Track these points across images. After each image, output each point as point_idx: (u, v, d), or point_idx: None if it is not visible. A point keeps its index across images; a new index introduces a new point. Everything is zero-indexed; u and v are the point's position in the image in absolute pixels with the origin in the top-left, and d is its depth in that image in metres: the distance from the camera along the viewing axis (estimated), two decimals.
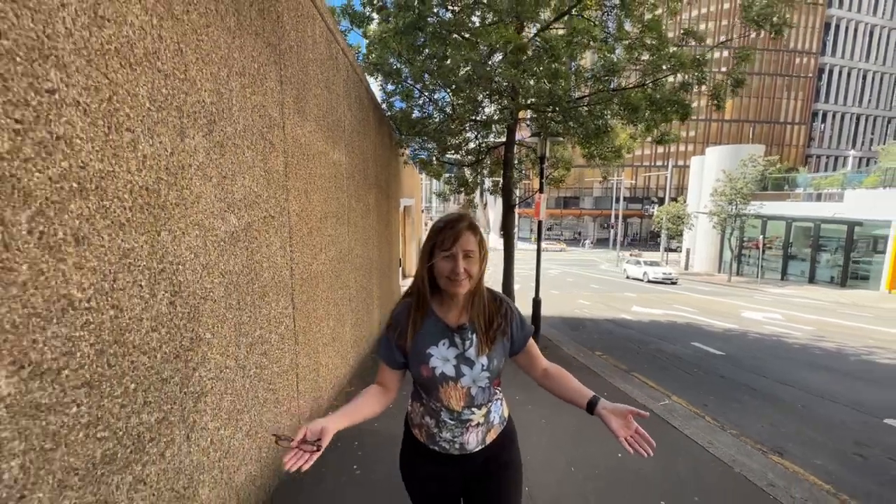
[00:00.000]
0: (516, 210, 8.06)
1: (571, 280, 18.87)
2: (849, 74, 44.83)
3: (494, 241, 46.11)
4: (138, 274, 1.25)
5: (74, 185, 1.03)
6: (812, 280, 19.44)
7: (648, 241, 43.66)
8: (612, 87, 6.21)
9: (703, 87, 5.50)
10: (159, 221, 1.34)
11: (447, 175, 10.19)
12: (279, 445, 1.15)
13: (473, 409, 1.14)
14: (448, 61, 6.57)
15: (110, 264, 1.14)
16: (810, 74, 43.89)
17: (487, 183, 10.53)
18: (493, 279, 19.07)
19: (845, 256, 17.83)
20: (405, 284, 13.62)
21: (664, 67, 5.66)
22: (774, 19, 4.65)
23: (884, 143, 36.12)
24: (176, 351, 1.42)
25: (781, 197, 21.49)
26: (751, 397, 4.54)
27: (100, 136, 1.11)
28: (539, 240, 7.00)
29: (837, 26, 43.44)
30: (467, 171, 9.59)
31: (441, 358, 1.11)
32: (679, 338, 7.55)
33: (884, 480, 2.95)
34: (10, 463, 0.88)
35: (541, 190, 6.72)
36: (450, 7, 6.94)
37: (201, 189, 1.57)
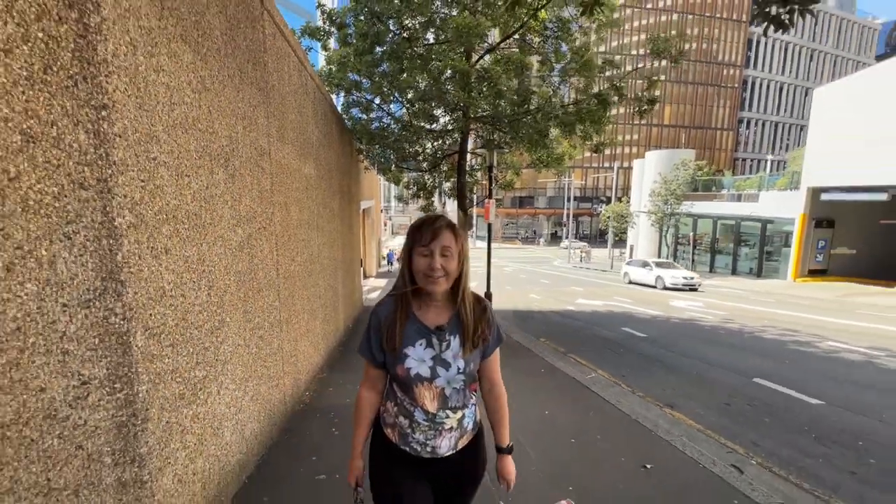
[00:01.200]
0: (473, 211, 8.81)
1: (525, 277, 19.99)
2: (768, 86, 49.72)
3: None
4: (193, 273, 1.80)
5: (164, 216, 1.59)
6: (734, 272, 21.77)
7: (597, 238, 46.19)
8: (549, 105, 7.09)
9: (623, 103, 6.48)
10: (201, 236, 1.89)
11: (406, 179, 10.80)
12: (357, 493, 1.25)
13: (448, 411, 1.15)
14: (404, 75, 7.19)
15: (179, 266, 1.70)
16: (736, 85, 48.31)
17: (445, 186, 11.25)
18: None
19: (760, 250, 20.17)
20: (366, 284, 14.06)
21: (591, 86, 6.61)
22: (672, 51, 5.66)
23: (798, 147, 40.51)
24: (211, 329, 1.98)
25: (709, 197, 23.83)
26: (659, 368, 5.52)
27: (174, 181, 1.66)
28: (489, 240, 7.78)
29: (758, 42, 48.07)
30: (425, 176, 10.25)
31: (417, 359, 1.12)
32: (613, 324, 8.60)
33: (738, 419, 3.91)
34: (169, 386, 1.43)
35: (489, 196, 7.50)
36: (406, 23, 7.54)
37: (222, 210, 2.12)
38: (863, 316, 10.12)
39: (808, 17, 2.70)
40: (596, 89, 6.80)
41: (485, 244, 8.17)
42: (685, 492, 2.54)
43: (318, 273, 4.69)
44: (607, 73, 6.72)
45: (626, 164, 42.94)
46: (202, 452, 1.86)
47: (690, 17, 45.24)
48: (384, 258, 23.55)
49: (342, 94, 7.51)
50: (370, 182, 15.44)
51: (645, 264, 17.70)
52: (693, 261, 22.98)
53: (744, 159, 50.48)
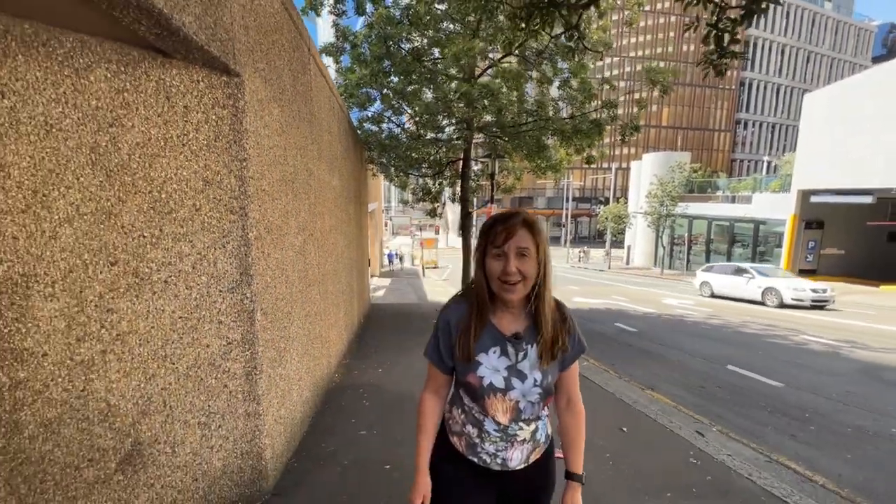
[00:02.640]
0: (474, 214, 9.46)
1: None
2: (766, 87, 50.30)
3: (453, 240, 47.70)
4: (279, 271, 2.45)
5: (267, 230, 2.23)
6: None
7: (595, 238, 46.77)
8: (546, 119, 7.73)
9: (613, 124, 7.13)
10: (282, 243, 2.53)
11: (412, 184, 11.44)
12: None
13: (521, 423, 1.08)
14: (410, 87, 7.83)
15: (273, 266, 2.34)
16: (733, 86, 48.91)
17: (448, 192, 11.89)
18: (454, 277, 20.46)
19: (753, 250, 20.82)
20: (371, 283, 14.70)
21: (587, 105, 7.25)
22: (663, 82, 6.30)
23: (792, 151, 41.19)
24: (287, 313, 2.62)
25: (704, 199, 24.49)
26: (645, 358, 6.16)
27: (271, 204, 2.30)
28: None
29: (755, 44, 48.64)
30: (430, 182, 10.90)
31: (491, 367, 1.05)
32: (608, 320, 9.24)
33: (708, 399, 4.55)
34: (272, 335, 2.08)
35: (491, 201, 8.14)
36: (415, 40, 8.14)
37: (291, 223, 2.76)
38: (843, 314, 10.77)
39: (743, 54, 3.32)
40: (593, 104, 7.42)
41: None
42: (652, 446, 3.18)
43: (341, 272, 5.33)
44: (603, 93, 7.34)
45: (624, 165, 43.56)
46: (284, 404, 2.50)
47: (687, 19, 45.80)
48: (385, 258, 24.25)
49: (357, 109, 8.15)
50: (374, 184, 16.11)
51: (739, 270, 13.30)
52: (687, 261, 23.63)
53: (741, 160, 51.08)
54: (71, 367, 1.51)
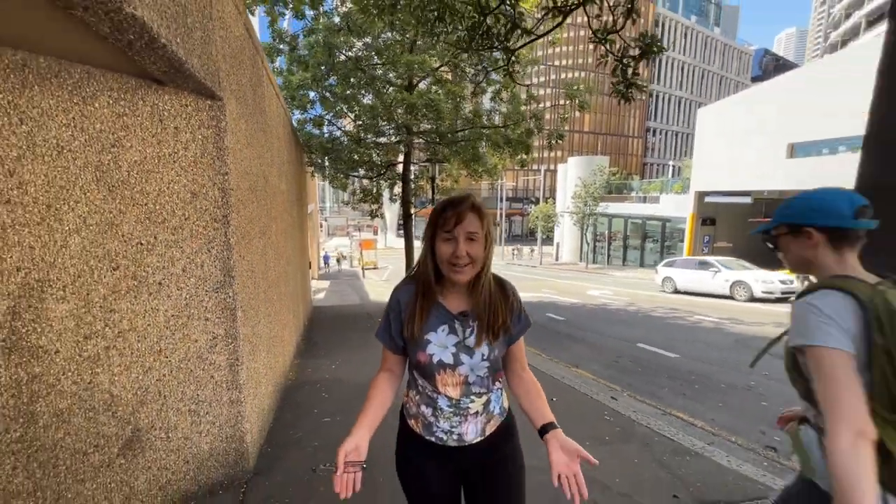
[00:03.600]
0: (414, 214, 9.86)
1: None
2: (669, 99, 56.30)
3: (392, 241, 47.68)
4: (251, 273, 2.67)
5: (241, 235, 2.45)
6: (642, 264, 25.02)
7: (527, 236, 49.22)
8: (482, 127, 8.36)
9: (540, 133, 7.95)
10: (250, 247, 2.75)
11: (353, 186, 11.57)
12: (321, 474, 1.13)
13: (472, 396, 1.12)
14: (349, 91, 8.04)
15: (245, 268, 2.56)
16: (644, 97, 54.23)
17: (387, 193, 12.16)
18: (396, 277, 20.64)
19: (661, 245, 23.48)
20: (311, 286, 14.49)
21: (516, 116, 7.98)
22: (578, 100, 7.18)
23: (692, 156, 46.68)
24: (256, 312, 2.83)
25: (621, 199, 27.07)
26: (570, 342, 6.98)
27: (243, 211, 2.52)
28: None
29: (661, 60, 54.27)
30: (371, 184, 11.10)
31: (439, 345, 1.09)
32: (539, 311, 10.12)
33: (621, 371, 5.38)
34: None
35: (432, 202, 8.59)
36: (356, 46, 8.33)
37: (255, 228, 2.97)
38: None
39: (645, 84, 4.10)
40: (523, 114, 8.16)
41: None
42: (576, 410, 3.81)
43: (290, 274, 5.46)
44: (531, 107, 8.12)
45: (552, 167, 46.48)
46: (258, 394, 2.72)
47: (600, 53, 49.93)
48: (321, 260, 23.79)
49: (298, 111, 8.17)
50: (311, 185, 15.87)
51: (704, 264, 12.94)
52: (609, 255, 26.00)
53: (652, 164, 56.76)
54: (79, 363, 1.68)
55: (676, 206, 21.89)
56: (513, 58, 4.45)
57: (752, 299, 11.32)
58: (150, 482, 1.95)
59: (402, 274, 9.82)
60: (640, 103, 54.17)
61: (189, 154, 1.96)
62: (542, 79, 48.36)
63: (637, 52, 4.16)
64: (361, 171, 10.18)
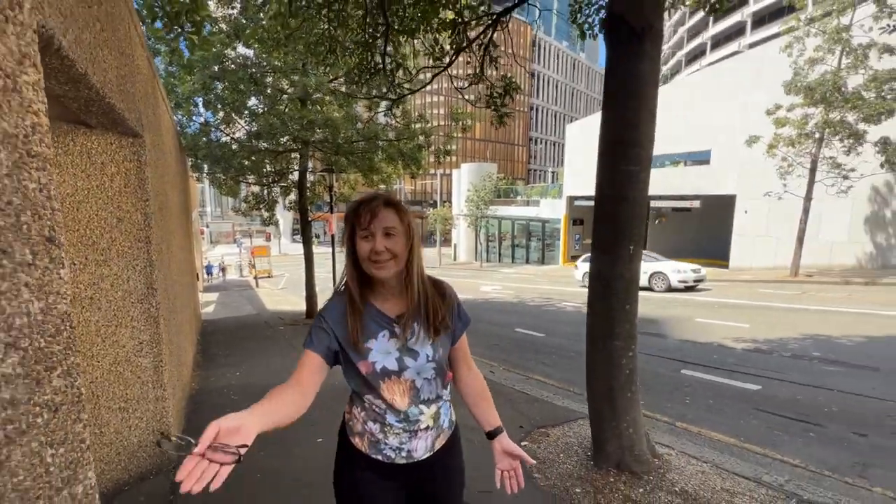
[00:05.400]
0: (311, 221, 10.04)
1: None
2: (547, 112, 62.93)
3: (287, 247, 45.31)
4: (168, 285, 2.94)
5: (161, 252, 2.75)
6: (528, 261, 27.95)
7: (428, 238, 50.87)
8: (376, 137, 8.96)
9: (431, 148, 8.87)
10: (167, 261, 3.01)
11: (244, 192, 11.20)
12: (164, 449, 0.98)
13: (421, 406, 1.08)
14: (238, 99, 7.99)
15: (163, 281, 2.84)
16: (526, 109, 59.82)
17: (282, 201, 12.02)
18: (294, 285, 20.04)
19: (542, 243, 26.55)
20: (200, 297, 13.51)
21: (408, 130, 8.77)
22: (461, 123, 8.23)
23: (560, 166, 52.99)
24: (172, 319, 3.09)
25: (508, 203, 29.83)
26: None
27: (161, 231, 2.81)
28: (333, 249, 9.23)
29: (540, 76, 60.41)
30: (264, 190, 10.91)
31: (382, 351, 1.05)
32: None
33: (501, 351, 6.47)
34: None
35: (331, 211, 8.95)
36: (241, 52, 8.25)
37: (164, 244, 3.21)
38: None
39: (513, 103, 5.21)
40: (414, 128, 8.95)
41: (319, 249, 9.49)
42: None
43: (184, 286, 5.45)
44: (421, 125, 8.94)
45: (447, 171, 48.74)
46: (175, 395, 3.00)
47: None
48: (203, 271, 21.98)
49: (182, 115, 7.85)
50: (193, 190, 14.76)
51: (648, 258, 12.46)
52: (500, 254, 28.49)
53: (535, 170, 62.83)
54: None
55: (553, 209, 24.99)
56: (400, 96, 5.19)
57: (670, 289, 11.91)
58: None
59: (301, 282, 9.91)
60: (523, 115, 59.63)
61: (115, 185, 2.27)
62: (436, 86, 50.37)
63: (501, 90, 5.25)
64: (252, 178, 10.01)
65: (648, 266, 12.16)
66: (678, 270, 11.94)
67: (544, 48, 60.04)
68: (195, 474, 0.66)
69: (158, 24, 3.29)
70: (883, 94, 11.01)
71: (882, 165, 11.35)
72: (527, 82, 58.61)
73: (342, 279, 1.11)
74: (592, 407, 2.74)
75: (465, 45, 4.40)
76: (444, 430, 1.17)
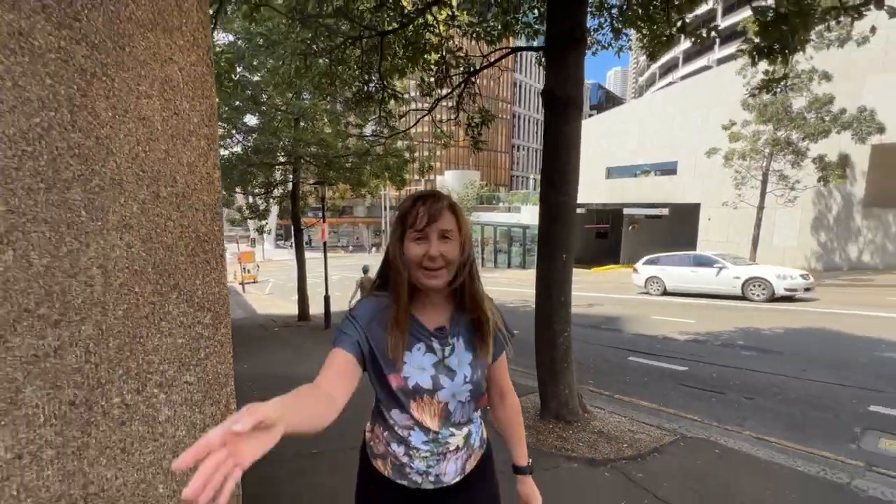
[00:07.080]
0: (305, 228, 10.77)
1: (348, 283, 22.33)
2: (529, 120, 64.61)
3: (271, 252, 45.46)
4: None
5: None
6: (510, 266, 29.02)
7: None
8: (366, 154, 9.77)
9: (416, 164, 9.73)
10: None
11: (239, 203, 11.85)
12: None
13: (452, 428, 0.99)
14: (235, 115, 8.71)
15: None
16: (509, 117, 61.37)
17: (276, 209, 12.71)
18: (280, 290, 20.57)
19: (523, 249, 27.64)
20: None
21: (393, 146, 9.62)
22: (443, 141, 9.09)
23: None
24: None
25: (491, 209, 30.94)
26: None
27: None
28: (325, 254, 9.97)
29: (521, 84, 62.07)
30: (259, 200, 11.60)
31: (416, 366, 0.94)
32: None
33: None
34: None
35: (323, 220, 9.70)
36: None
37: None
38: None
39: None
40: (399, 144, 9.79)
41: (310, 254, 10.21)
42: None
43: None
44: (406, 143, 9.80)
45: (432, 178, 49.65)
46: None
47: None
48: None
49: None
50: None
51: (704, 260, 10.98)
52: (482, 259, 29.50)
53: (517, 176, 64.35)
54: None
55: (532, 216, 26.12)
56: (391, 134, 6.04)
57: (773, 299, 9.56)
58: None
59: (288, 287, 10.57)
60: (505, 122, 61.15)
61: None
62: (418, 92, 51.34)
63: (479, 119, 6.19)
64: (250, 189, 10.69)
65: (741, 271, 10.15)
66: (782, 276, 9.62)
67: (526, 58, 61.83)
68: (204, 474, 0.45)
69: None
70: (821, 115, 12.36)
71: (819, 180, 12.69)
72: (508, 90, 60.18)
73: (377, 280, 1.02)
74: (539, 376, 3.61)
75: (444, 94, 5.30)
76: (476, 449, 1.06)
